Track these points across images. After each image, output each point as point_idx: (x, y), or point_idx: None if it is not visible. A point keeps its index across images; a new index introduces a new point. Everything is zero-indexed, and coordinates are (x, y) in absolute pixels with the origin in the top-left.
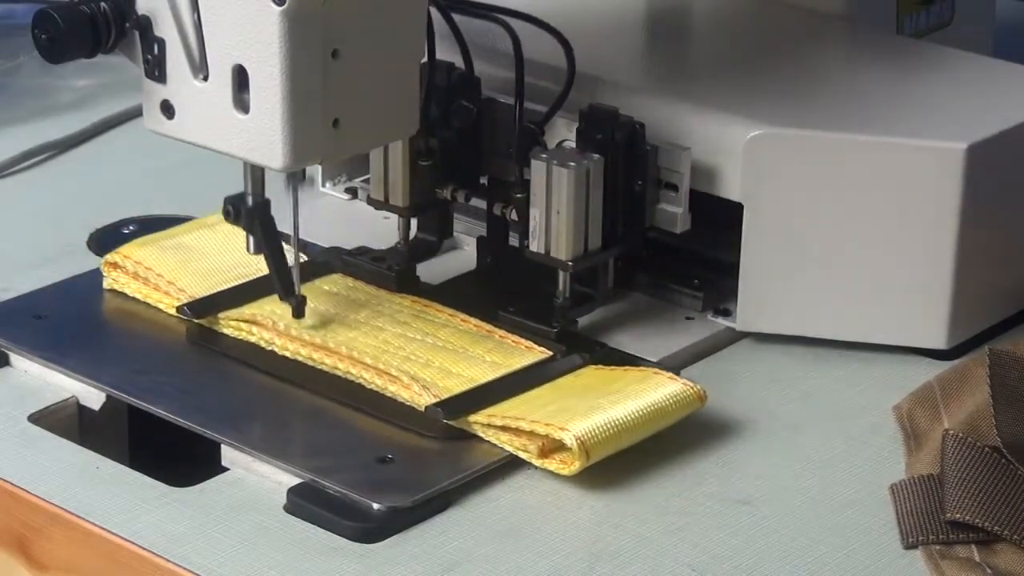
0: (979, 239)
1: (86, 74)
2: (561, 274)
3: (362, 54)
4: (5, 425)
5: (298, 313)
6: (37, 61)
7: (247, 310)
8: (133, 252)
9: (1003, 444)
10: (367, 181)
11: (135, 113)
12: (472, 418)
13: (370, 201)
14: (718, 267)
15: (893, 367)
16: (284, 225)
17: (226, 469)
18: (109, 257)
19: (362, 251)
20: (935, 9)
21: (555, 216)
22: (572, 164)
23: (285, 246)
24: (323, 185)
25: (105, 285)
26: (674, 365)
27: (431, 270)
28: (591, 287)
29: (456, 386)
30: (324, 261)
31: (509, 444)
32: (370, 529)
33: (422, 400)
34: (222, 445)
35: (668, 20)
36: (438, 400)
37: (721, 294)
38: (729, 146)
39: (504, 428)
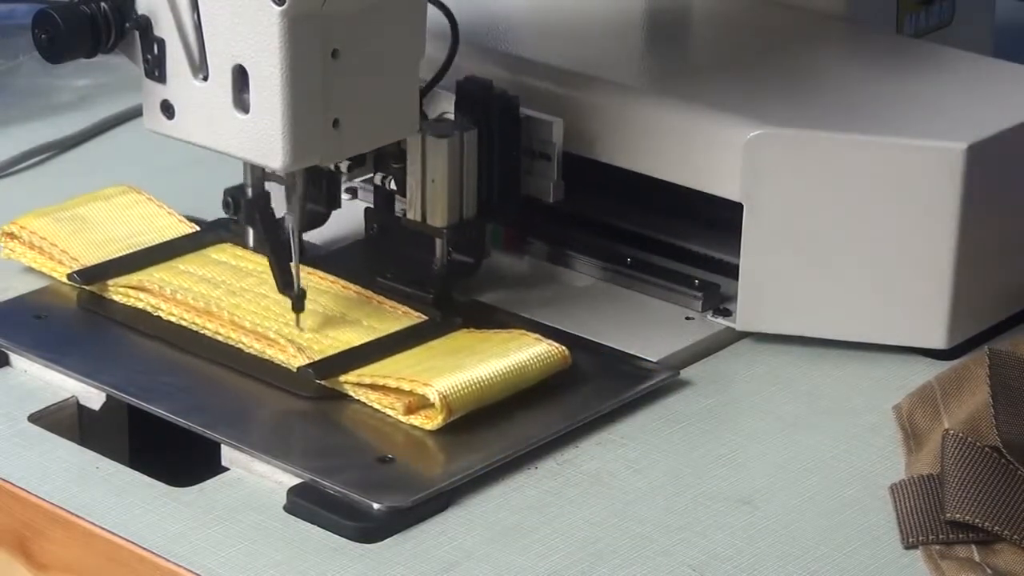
0: (979, 239)
1: (86, 74)
2: (437, 241)
3: (362, 54)
4: (5, 425)
5: (298, 307)
6: (37, 61)
7: (135, 277)
8: (29, 223)
9: (1003, 444)
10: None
11: (135, 113)
12: (343, 378)
13: None
14: (718, 267)
15: (893, 367)
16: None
17: (226, 469)
18: (5, 228)
19: None
20: (935, 9)
21: (430, 185)
22: (445, 135)
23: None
24: None
25: (2, 255)
26: (674, 365)
27: (322, 239)
28: (471, 255)
29: (330, 348)
30: (215, 231)
31: (378, 402)
32: (370, 529)
33: (296, 362)
34: (222, 445)
35: (668, 20)
36: (311, 361)
37: (721, 294)
38: (729, 146)
39: (372, 387)
